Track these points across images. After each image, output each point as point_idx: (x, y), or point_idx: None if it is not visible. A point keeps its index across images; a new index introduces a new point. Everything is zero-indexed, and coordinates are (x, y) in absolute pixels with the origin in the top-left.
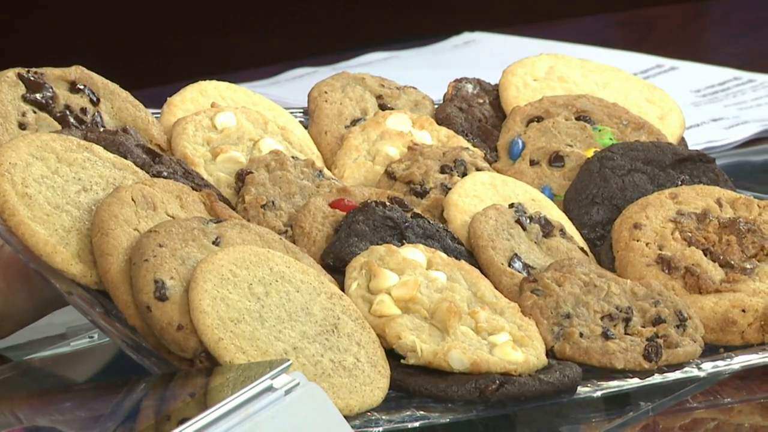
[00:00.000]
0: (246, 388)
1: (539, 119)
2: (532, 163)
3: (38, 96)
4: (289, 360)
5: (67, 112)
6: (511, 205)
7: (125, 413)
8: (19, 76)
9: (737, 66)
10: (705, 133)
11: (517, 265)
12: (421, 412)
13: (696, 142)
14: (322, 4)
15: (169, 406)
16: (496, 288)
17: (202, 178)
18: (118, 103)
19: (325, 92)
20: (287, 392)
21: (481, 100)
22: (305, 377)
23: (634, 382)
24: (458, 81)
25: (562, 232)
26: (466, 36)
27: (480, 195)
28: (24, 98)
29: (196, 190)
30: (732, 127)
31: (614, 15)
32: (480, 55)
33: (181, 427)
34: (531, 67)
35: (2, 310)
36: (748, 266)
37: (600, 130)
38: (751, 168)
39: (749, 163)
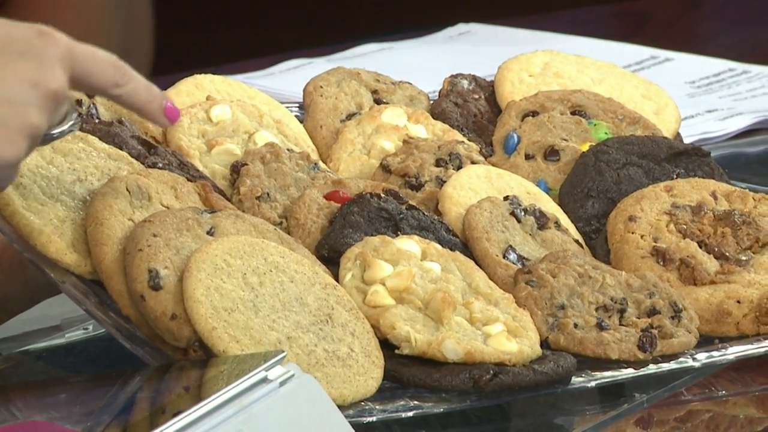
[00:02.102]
0: (241, 380)
1: (534, 114)
2: (528, 157)
3: None
4: (284, 351)
5: None
6: (506, 198)
7: (120, 406)
8: None
9: (732, 57)
10: (700, 124)
11: (512, 256)
12: (415, 402)
13: (691, 133)
14: None
15: (164, 399)
16: (490, 279)
17: (197, 170)
18: None
19: (321, 87)
20: (282, 384)
21: (476, 96)
22: (300, 368)
23: (628, 373)
24: (454, 77)
25: (557, 225)
26: (461, 27)
27: (475, 188)
28: None
29: (191, 182)
30: (727, 119)
31: (609, 6)
32: (475, 46)
33: (176, 419)
34: (526, 63)
35: None
36: (743, 258)
37: (595, 125)
38: (746, 159)
39: (744, 155)
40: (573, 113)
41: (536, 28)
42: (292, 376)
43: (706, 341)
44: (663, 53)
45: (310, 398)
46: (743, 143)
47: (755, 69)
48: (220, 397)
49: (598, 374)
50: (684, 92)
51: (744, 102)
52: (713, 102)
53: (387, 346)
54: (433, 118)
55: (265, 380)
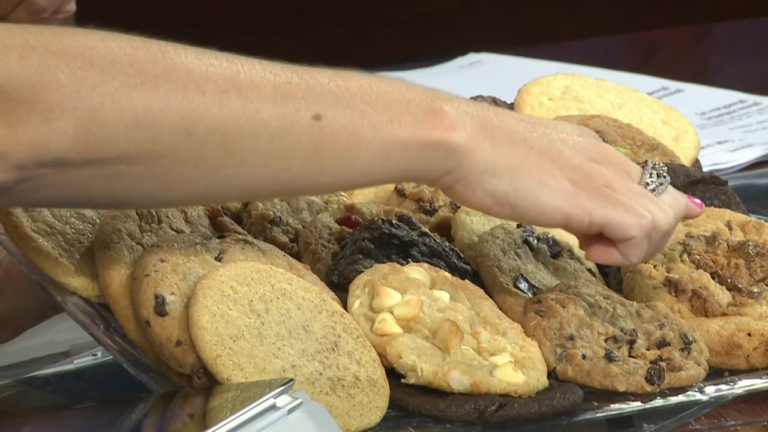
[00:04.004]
0: (249, 407)
1: None
2: None
3: None
4: (292, 379)
5: None
6: (519, 225)
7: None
8: None
9: (742, 88)
10: (710, 155)
11: (523, 285)
12: None
13: (701, 164)
14: (327, 25)
15: (172, 427)
16: (500, 308)
17: None
18: None
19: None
20: (290, 411)
21: None
22: (308, 396)
23: (635, 405)
24: (474, 98)
25: (570, 253)
26: (472, 57)
27: None
28: None
29: (204, 205)
30: (737, 150)
31: (620, 36)
32: (486, 76)
33: None
34: (546, 86)
35: (8, 309)
36: (756, 290)
37: None
38: (756, 191)
39: (754, 186)
40: None
41: (547, 58)
42: (301, 403)
43: (715, 373)
44: (673, 84)
45: (318, 426)
46: (753, 175)
47: (766, 101)
48: (229, 424)
49: (605, 406)
50: (695, 123)
51: (755, 134)
52: (724, 133)
53: (393, 374)
54: None
55: (273, 407)
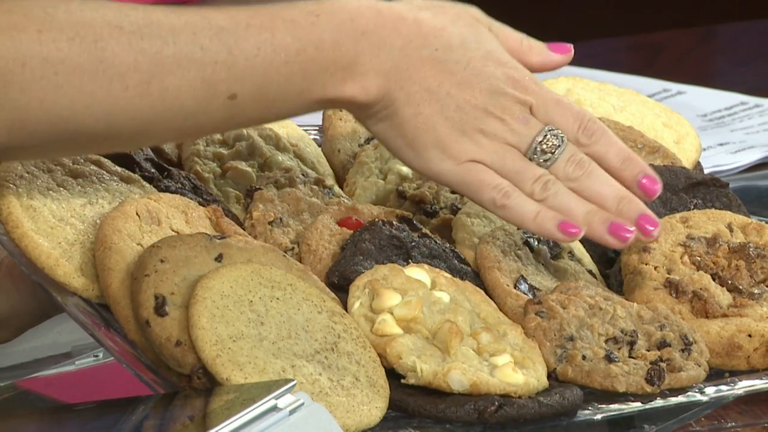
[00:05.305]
0: (250, 408)
1: None
2: None
3: None
4: (293, 380)
5: None
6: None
7: None
8: None
9: (744, 91)
10: (711, 157)
11: (523, 287)
12: None
13: (703, 166)
14: None
15: (172, 428)
16: (501, 309)
17: (211, 194)
18: None
19: (340, 110)
20: (292, 412)
21: None
22: (310, 397)
23: (635, 406)
24: None
25: (571, 254)
26: None
27: (489, 216)
28: None
29: (204, 206)
30: (738, 152)
31: (622, 39)
32: None
33: None
34: None
35: (9, 309)
36: (756, 291)
37: None
38: (758, 192)
39: (756, 188)
40: None
41: None
42: (302, 404)
43: (716, 374)
44: (675, 86)
45: (320, 427)
46: (755, 176)
47: (767, 103)
48: (230, 425)
49: (605, 407)
50: (696, 125)
51: (756, 135)
52: (725, 135)
53: (393, 375)
54: None
55: (274, 408)
